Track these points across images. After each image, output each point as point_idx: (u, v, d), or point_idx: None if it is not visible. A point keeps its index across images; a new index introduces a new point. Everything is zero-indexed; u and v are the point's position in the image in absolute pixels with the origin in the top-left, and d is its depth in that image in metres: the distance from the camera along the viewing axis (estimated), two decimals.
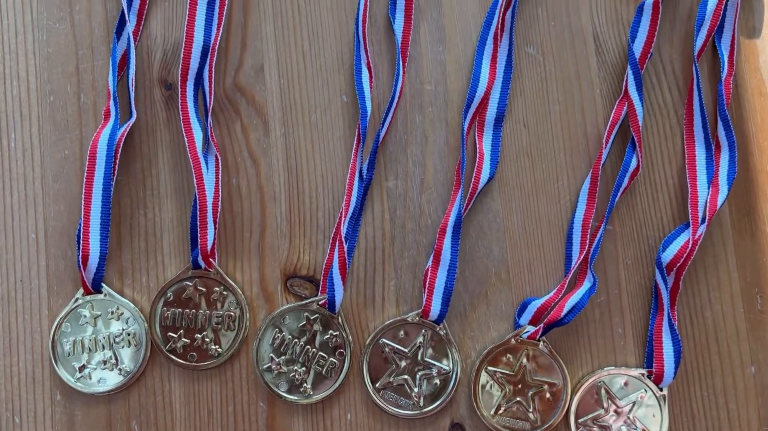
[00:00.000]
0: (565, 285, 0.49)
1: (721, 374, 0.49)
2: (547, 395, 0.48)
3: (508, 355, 0.49)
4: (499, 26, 0.51)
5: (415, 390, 0.48)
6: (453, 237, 0.49)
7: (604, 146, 0.50)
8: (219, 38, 0.51)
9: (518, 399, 0.48)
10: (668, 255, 0.48)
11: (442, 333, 0.49)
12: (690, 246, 0.48)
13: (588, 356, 0.49)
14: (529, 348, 0.48)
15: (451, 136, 0.51)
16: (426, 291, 0.49)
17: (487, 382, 0.48)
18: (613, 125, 0.50)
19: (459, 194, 0.50)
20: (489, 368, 0.48)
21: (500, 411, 0.48)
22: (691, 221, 0.49)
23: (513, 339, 0.48)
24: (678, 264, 0.48)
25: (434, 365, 0.49)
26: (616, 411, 0.48)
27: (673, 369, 0.48)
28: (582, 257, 0.49)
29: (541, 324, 0.48)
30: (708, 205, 0.49)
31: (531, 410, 0.48)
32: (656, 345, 0.48)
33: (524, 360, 0.48)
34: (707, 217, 0.48)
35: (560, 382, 0.48)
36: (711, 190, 0.49)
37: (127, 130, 0.50)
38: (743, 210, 0.50)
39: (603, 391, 0.48)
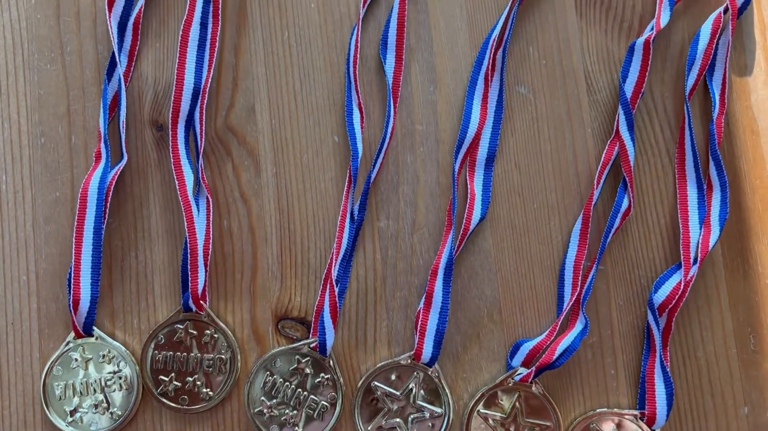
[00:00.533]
0: (558, 327, 0.49)
1: (714, 415, 0.49)
2: None
3: (501, 397, 0.48)
4: (490, 65, 0.51)
5: None
6: (444, 279, 0.49)
7: (595, 187, 0.50)
8: (210, 79, 0.51)
9: None
10: (660, 296, 0.48)
11: (434, 375, 0.49)
12: (682, 287, 0.48)
13: (580, 397, 0.49)
14: (522, 391, 0.48)
15: (442, 176, 0.51)
16: (418, 333, 0.49)
17: (480, 425, 0.48)
18: (604, 166, 0.50)
19: (450, 235, 0.50)
20: (481, 410, 0.48)
21: None
22: (683, 262, 0.49)
23: (505, 382, 0.48)
24: (670, 306, 0.48)
25: (426, 408, 0.48)
26: None
27: (666, 410, 0.48)
28: (574, 298, 0.49)
29: (534, 367, 0.47)
30: (700, 245, 0.49)
31: None
32: (648, 387, 0.48)
33: (516, 402, 0.48)
34: (699, 258, 0.48)
35: (553, 424, 0.48)
36: (703, 230, 0.49)
37: (118, 173, 0.50)
38: (735, 249, 0.50)
39: None
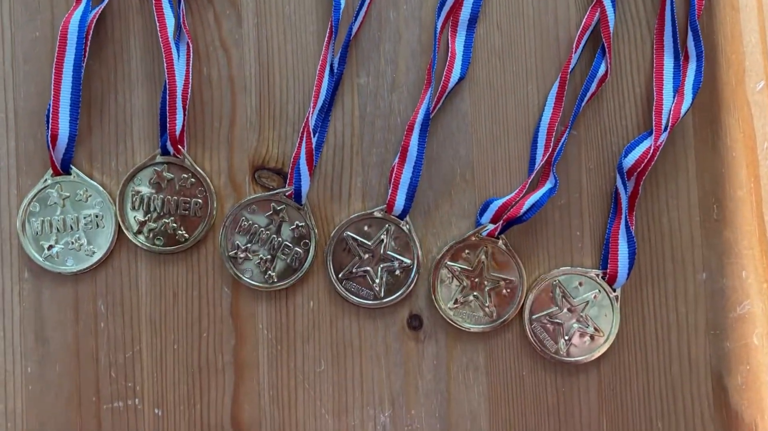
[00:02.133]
0: (527, 186, 0.50)
1: (674, 278, 0.51)
2: (504, 291, 0.50)
3: (468, 251, 0.50)
4: None
5: (377, 281, 0.50)
6: (420, 134, 0.50)
7: (573, 51, 0.50)
8: None
9: (475, 293, 0.50)
10: (630, 160, 0.49)
11: (405, 228, 0.50)
12: (651, 152, 0.49)
13: (546, 256, 0.51)
14: (488, 245, 0.50)
15: (424, 35, 0.51)
16: (391, 186, 0.50)
17: (447, 276, 0.50)
18: (584, 30, 0.50)
19: (429, 92, 0.50)
20: (448, 263, 0.50)
21: (457, 304, 0.50)
22: (654, 128, 0.50)
23: (473, 236, 0.50)
24: (638, 170, 0.49)
25: (396, 258, 0.50)
26: (569, 310, 0.50)
27: (627, 270, 0.49)
28: (545, 159, 0.50)
29: (501, 222, 0.49)
30: (672, 113, 0.50)
31: (487, 304, 0.50)
32: (612, 248, 0.50)
33: (483, 256, 0.50)
34: (670, 125, 0.49)
35: (517, 279, 0.50)
36: (676, 99, 0.50)
37: (99, 12, 0.49)
38: (706, 120, 0.51)
39: (558, 290, 0.50)
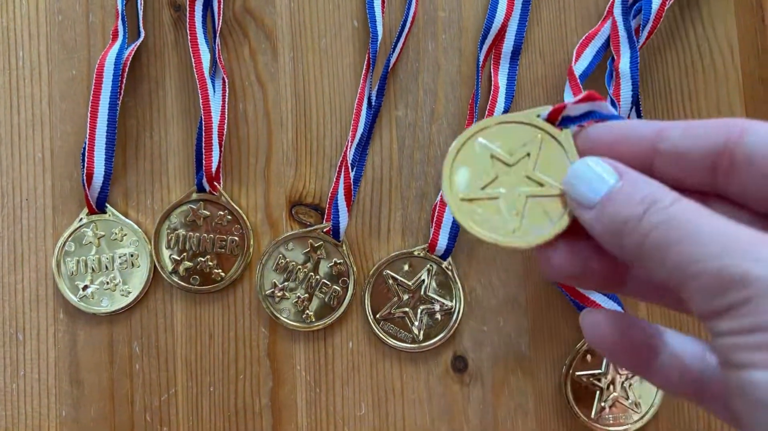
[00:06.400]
0: None
1: None
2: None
3: None
4: None
5: (416, 323, 0.48)
6: None
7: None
8: None
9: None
10: None
11: (447, 269, 0.48)
12: None
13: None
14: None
15: (464, 65, 0.50)
16: (433, 225, 0.48)
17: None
18: None
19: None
20: None
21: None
22: None
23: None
24: None
25: (437, 300, 0.48)
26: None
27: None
28: None
29: None
30: None
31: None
32: None
33: None
34: None
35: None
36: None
37: (134, 49, 0.49)
38: None
39: None
